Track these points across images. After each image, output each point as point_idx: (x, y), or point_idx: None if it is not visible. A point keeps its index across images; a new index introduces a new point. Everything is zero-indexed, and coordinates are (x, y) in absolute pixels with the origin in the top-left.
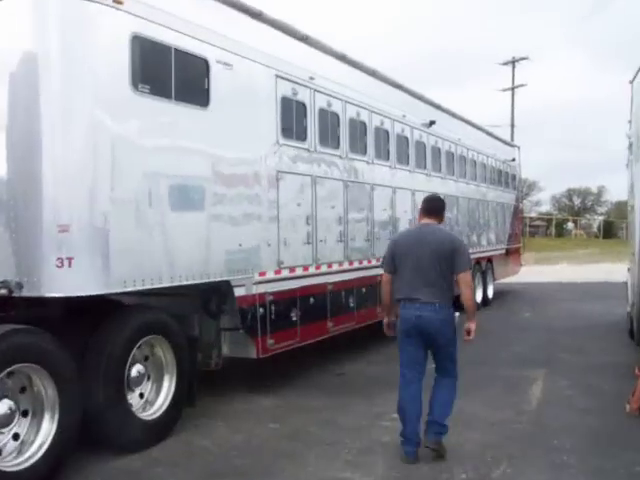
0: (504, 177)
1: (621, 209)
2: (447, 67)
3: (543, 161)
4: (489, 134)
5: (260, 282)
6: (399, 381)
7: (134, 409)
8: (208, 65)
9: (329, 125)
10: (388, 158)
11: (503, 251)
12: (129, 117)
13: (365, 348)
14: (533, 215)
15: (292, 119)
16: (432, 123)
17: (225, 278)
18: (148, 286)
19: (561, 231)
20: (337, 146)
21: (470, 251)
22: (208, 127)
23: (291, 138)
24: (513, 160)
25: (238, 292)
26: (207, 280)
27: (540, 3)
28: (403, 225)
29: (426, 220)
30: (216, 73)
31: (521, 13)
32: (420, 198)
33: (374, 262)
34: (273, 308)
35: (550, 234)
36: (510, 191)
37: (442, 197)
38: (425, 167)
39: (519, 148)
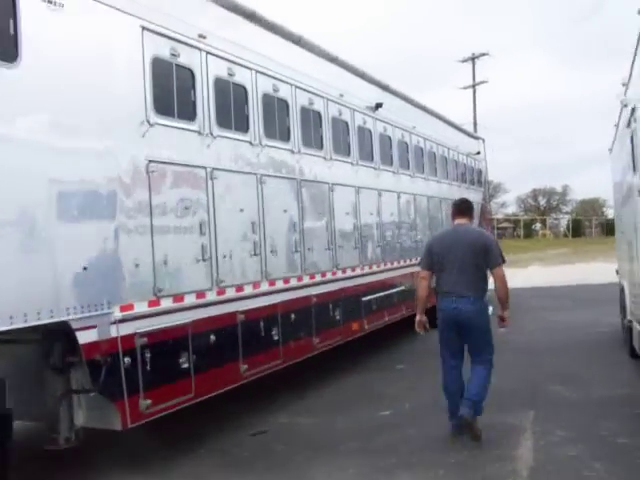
0: (468, 172)
1: (585, 207)
2: (410, 67)
3: (508, 162)
4: (450, 124)
5: (124, 320)
6: (442, 367)
7: None
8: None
9: (232, 101)
10: (321, 147)
11: None
12: None
13: (301, 390)
14: (500, 217)
15: (172, 90)
16: (379, 106)
17: (60, 319)
18: None
19: (529, 232)
20: (245, 129)
21: None
22: (18, 94)
23: (170, 116)
24: (478, 153)
25: (85, 337)
26: (23, 324)
27: (507, 3)
28: (346, 230)
29: (459, 220)
30: (31, 14)
31: (486, 13)
32: (367, 197)
33: (306, 280)
34: (148, 355)
35: (518, 235)
36: (476, 188)
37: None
38: (372, 159)
39: (484, 141)
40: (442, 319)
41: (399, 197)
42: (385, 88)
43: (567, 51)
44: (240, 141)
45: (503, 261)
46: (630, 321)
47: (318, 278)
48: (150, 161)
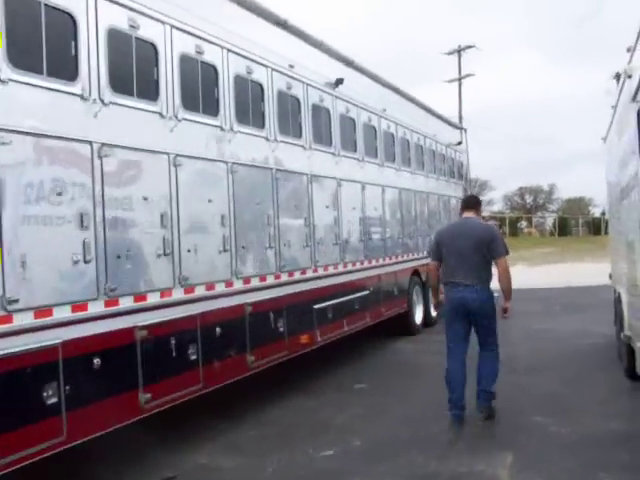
0: (448, 164)
1: (571, 206)
2: (397, 61)
3: (495, 160)
4: (427, 110)
5: None
6: (446, 354)
7: None
8: None
9: (133, 59)
10: (263, 125)
11: None
12: None
13: (233, 419)
14: (485, 214)
15: (39, 38)
16: (339, 82)
17: None
18: None
19: (515, 230)
20: (154, 97)
21: (405, 258)
22: None
23: (35, 72)
24: (459, 144)
25: None
26: None
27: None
28: (295, 226)
29: (467, 214)
30: None
31: (476, 9)
32: (323, 187)
33: (238, 285)
34: None
35: (504, 233)
36: (456, 182)
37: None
38: (330, 143)
39: (465, 131)
40: (449, 308)
41: (364, 189)
42: (349, 63)
43: (557, 49)
44: (147, 112)
45: (507, 252)
46: (629, 337)
47: (255, 283)
48: None
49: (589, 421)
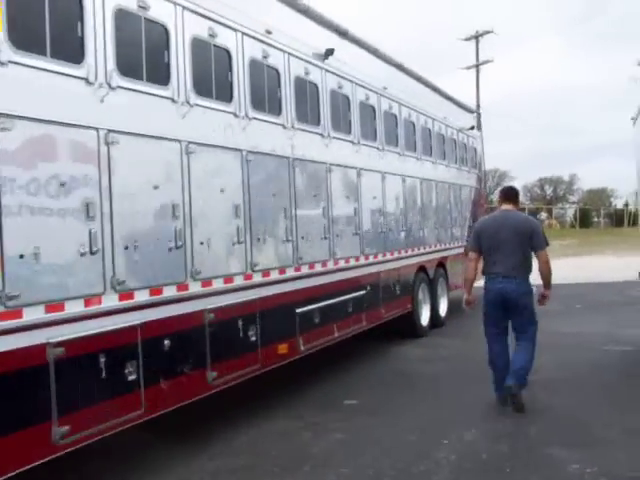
0: (460, 150)
1: (593, 197)
2: (412, 47)
3: (514, 150)
4: (436, 90)
5: None
6: (487, 343)
7: None
8: None
9: (47, 16)
10: (230, 99)
11: (460, 250)
12: None
13: (193, 447)
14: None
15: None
16: (329, 53)
17: None
18: None
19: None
20: (79, 60)
21: (409, 253)
22: None
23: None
24: (472, 129)
25: None
26: None
27: None
28: (272, 216)
29: (505, 206)
30: None
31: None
32: (308, 173)
33: (195, 288)
34: None
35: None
36: (469, 170)
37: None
38: (318, 123)
39: (480, 115)
40: (488, 298)
41: (359, 175)
42: (343, 34)
43: (580, 36)
44: (72, 77)
45: (547, 244)
46: None
47: (217, 285)
48: None
49: (622, 458)
